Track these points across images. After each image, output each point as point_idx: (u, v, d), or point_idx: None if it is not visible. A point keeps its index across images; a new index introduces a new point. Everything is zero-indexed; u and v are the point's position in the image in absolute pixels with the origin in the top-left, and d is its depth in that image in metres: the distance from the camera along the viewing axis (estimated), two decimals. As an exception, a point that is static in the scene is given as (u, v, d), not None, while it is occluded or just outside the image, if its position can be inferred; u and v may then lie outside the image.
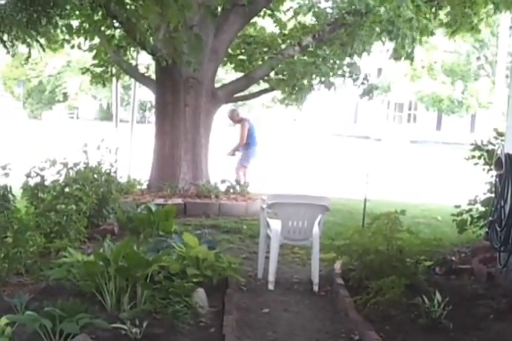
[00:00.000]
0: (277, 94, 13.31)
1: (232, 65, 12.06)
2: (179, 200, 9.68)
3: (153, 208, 7.12)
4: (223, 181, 10.71)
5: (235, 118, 12.14)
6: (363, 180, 8.92)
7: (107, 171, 8.56)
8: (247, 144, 11.79)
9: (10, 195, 6.05)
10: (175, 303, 4.91)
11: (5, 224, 5.94)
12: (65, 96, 51.72)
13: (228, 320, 4.94)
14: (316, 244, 6.22)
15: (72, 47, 11.72)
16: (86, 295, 5.19)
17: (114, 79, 13.04)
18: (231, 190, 10.52)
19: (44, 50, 13.18)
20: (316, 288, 6.20)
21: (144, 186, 10.71)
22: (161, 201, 9.56)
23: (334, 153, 27.81)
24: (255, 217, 9.74)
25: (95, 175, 8.38)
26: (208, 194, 9.92)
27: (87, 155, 8.54)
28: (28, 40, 12.28)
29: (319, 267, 6.49)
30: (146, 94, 15.29)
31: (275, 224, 6.30)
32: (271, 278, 6.18)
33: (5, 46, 7.63)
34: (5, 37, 8.28)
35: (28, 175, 7.11)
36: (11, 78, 50.17)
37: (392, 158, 27.26)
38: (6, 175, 6.08)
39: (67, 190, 7.26)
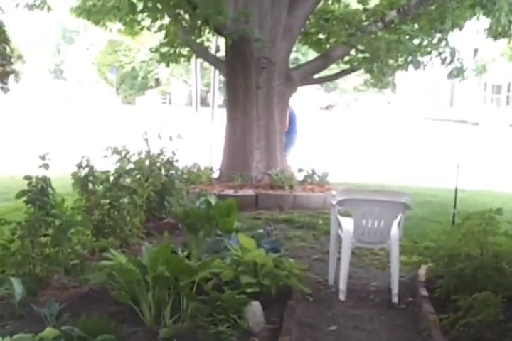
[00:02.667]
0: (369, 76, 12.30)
1: (308, 44, 11.10)
2: (250, 191, 8.91)
3: (213, 201, 6.35)
4: (300, 170, 9.85)
5: None
6: (455, 170, 7.83)
7: (170, 160, 7.93)
8: (286, 132, 10.67)
9: (49, 189, 5.44)
10: (219, 321, 4.15)
11: (43, 221, 5.36)
12: (157, 81, 52.10)
13: (284, 342, 4.14)
14: (395, 248, 5.29)
15: (142, 28, 11.21)
16: (128, 304, 4.53)
17: (194, 61, 12.52)
18: (308, 180, 9.64)
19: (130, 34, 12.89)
20: (395, 299, 5.29)
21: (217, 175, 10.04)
22: (230, 192, 8.84)
23: (428, 138, 26.36)
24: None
25: (157, 164, 7.80)
26: (281, 184, 9.09)
27: (148, 143, 7.96)
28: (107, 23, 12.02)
29: (401, 272, 5.60)
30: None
31: (347, 224, 5.42)
32: (342, 286, 5.31)
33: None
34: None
35: (80, 166, 6.51)
36: (105, 64, 51.05)
37: (490, 143, 25.53)
38: (45, 166, 5.47)
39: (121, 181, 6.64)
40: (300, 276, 5.16)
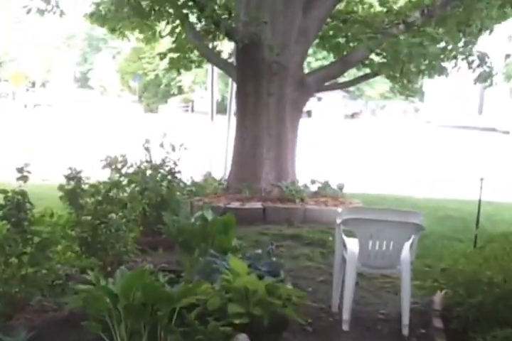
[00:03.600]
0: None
1: (326, 49, 10.52)
2: (258, 204, 8.36)
3: (210, 217, 5.82)
4: (313, 182, 9.29)
5: None
6: (479, 183, 7.22)
7: (172, 171, 7.45)
8: None
9: (28, 204, 4.97)
10: (197, 360, 3.62)
11: (21, 238, 4.90)
12: (180, 89, 51.82)
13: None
14: (407, 273, 4.71)
15: (154, 34, 10.79)
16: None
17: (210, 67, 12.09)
18: (322, 192, 9.08)
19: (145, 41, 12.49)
20: (405, 331, 4.71)
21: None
22: (237, 205, 8.31)
23: (455, 147, 25.60)
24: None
25: (158, 176, 7.32)
26: (292, 197, 8.53)
27: (150, 152, 7.51)
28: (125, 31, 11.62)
29: (415, 297, 5.06)
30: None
31: (352, 245, 4.86)
32: (345, 316, 4.75)
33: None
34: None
35: (69, 177, 6.04)
36: (128, 72, 50.95)
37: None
38: (24, 179, 5.00)
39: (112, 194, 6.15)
40: (299, 303, 4.61)
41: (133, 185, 6.72)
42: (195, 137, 14.95)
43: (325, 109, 50.95)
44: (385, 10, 10.32)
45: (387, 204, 10.53)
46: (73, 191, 5.93)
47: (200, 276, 4.85)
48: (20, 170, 5.02)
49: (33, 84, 65.11)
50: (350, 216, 4.78)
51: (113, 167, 6.59)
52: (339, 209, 5.06)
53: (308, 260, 6.63)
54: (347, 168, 17.08)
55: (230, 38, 8.84)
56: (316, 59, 37.72)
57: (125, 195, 6.48)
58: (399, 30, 9.36)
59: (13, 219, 4.88)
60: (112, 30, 11.15)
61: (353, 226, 4.77)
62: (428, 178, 15.62)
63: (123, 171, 6.86)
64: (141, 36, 11.67)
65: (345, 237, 5.02)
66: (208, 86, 16.04)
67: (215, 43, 10.22)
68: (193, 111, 53.93)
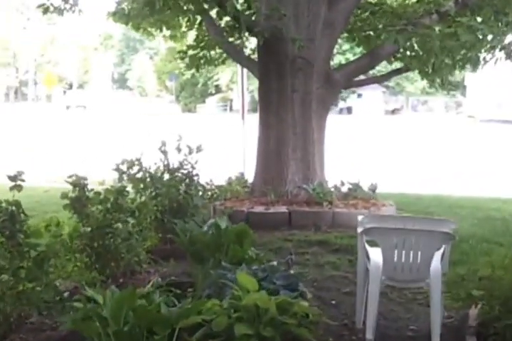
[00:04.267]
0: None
1: (355, 42, 9.99)
2: (283, 208, 7.91)
3: (224, 225, 5.39)
4: (343, 183, 8.79)
5: None
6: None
7: (190, 174, 7.05)
8: None
9: (22, 214, 4.62)
10: None
11: (16, 252, 4.55)
12: (218, 88, 51.63)
13: None
14: (437, 287, 4.20)
15: (175, 30, 10.42)
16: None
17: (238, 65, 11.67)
18: (353, 194, 8.57)
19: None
20: (435, 351, 4.21)
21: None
22: (260, 209, 7.88)
23: (499, 143, 24.73)
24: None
25: (175, 180, 6.93)
26: (319, 200, 8.04)
27: (167, 155, 7.10)
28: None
29: (449, 310, 4.61)
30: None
31: (376, 256, 4.37)
32: (368, 334, 4.26)
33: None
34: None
35: (75, 184, 5.67)
36: (165, 72, 50.95)
37: None
38: (18, 188, 4.65)
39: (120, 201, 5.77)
40: (318, 320, 4.16)
41: (146, 191, 6.32)
42: (230, 136, 14.53)
43: (365, 106, 50.41)
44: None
45: (423, 204, 10.01)
46: (78, 199, 5.57)
47: (211, 291, 4.45)
48: (13, 178, 4.66)
49: (71, 86, 65.76)
50: (373, 224, 4.29)
51: (121, 172, 6.19)
52: (359, 217, 4.57)
53: (334, 269, 6.16)
54: (385, 166, 16.57)
55: (251, 33, 8.39)
56: (338, 52, 36.99)
57: (137, 200, 6.11)
58: (432, 21, 8.79)
59: (6, 232, 4.54)
60: (137, 28, 10.83)
61: (377, 236, 4.27)
62: (469, 176, 14.98)
63: (130, 176, 6.46)
64: (168, 34, 11.33)
65: (368, 247, 4.54)
66: (239, 84, 15.65)
67: (239, 41, 9.84)
68: (231, 110, 53.62)
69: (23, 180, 4.67)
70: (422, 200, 10.62)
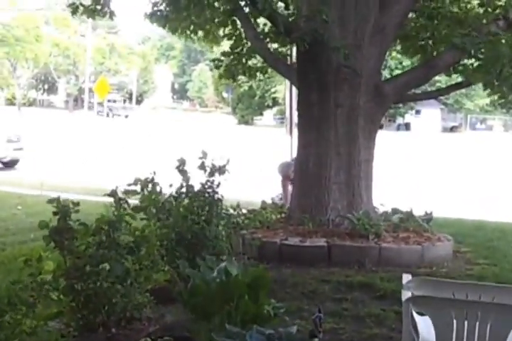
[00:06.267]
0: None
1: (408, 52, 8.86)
2: (321, 241, 6.82)
3: (235, 271, 4.35)
4: (395, 212, 7.65)
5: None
6: None
7: (209, 199, 6.04)
8: None
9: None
10: None
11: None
12: (275, 101, 50.83)
13: None
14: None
15: (208, 33, 9.57)
16: None
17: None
18: (403, 225, 7.42)
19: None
20: None
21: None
22: (296, 241, 6.82)
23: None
24: (435, 269, 6.65)
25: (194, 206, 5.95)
26: (365, 232, 6.92)
27: (186, 176, 6.12)
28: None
29: None
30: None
31: (427, 333, 3.24)
32: None
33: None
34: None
35: (56, 213, 4.72)
36: (222, 84, 50.38)
37: None
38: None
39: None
40: None
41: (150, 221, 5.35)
42: (279, 152, 13.56)
43: (423, 122, 49.61)
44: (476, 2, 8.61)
45: (484, 236, 8.89)
46: (58, 230, 4.61)
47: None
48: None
49: (130, 96, 66.07)
50: (422, 291, 3.17)
51: (117, 198, 5.20)
52: (405, 277, 3.46)
53: (376, 324, 5.02)
54: (442, 187, 15.40)
55: (289, 36, 7.40)
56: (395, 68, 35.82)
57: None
58: (498, 28, 7.63)
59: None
60: (174, 31, 10.06)
61: (427, 308, 3.14)
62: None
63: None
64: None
65: (416, 316, 3.41)
66: (286, 96, 14.70)
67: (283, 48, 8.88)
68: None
69: None
70: (483, 230, 9.45)
